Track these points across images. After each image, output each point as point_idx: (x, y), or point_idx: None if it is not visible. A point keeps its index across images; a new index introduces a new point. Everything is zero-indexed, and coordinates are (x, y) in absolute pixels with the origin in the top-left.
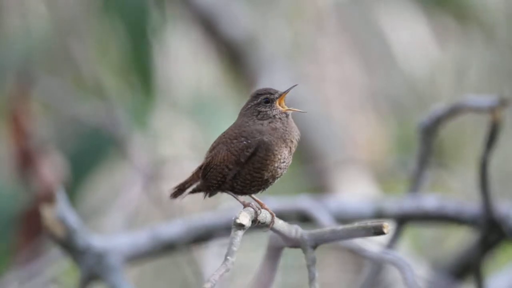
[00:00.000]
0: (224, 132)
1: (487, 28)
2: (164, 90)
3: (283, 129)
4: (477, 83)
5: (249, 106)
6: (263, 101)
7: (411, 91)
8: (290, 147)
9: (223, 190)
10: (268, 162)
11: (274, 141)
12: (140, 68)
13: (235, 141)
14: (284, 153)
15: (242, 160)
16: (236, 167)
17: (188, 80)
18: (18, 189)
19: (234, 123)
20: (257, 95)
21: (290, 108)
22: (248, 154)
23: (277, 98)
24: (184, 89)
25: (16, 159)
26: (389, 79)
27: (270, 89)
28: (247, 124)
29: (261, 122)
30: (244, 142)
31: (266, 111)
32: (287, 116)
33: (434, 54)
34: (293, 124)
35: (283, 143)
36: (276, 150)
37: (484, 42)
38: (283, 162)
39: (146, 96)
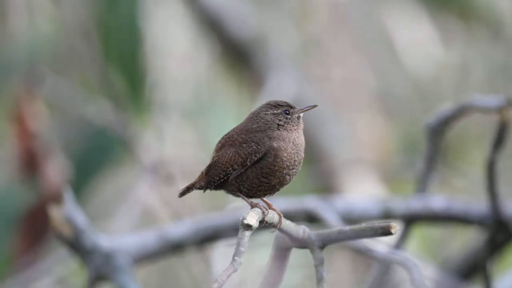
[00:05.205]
0: (230, 133)
1: (491, 27)
2: (163, 91)
3: (295, 139)
4: (482, 82)
5: (267, 113)
6: (283, 112)
7: (416, 91)
8: (300, 157)
9: (231, 192)
10: (276, 168)
11: (283, 147)
12: (132, 68)
13: (244, 145)
14: (294, 161)
15: (248, 163)
16: (241, 169)
17: (190, 80)
18: (23, 190)
19: (242, 126)
20: (277, 105)
21: (304, 108)
22: (255, 158)
23: (296, 112)
24: (186, 89)
25: (21, 159)
26: (394, 79)
27: (289, 103)
28: (260, 130)
29: (277, 131)
30: (254, 147)
31: (285, 122)
32: (301, 128)
33: (439, 53)
34: (303, 140)
35: (293, 150)
36: (285, 157)
37: (488, 41)
38: (292, 169)
39: (136, 96)
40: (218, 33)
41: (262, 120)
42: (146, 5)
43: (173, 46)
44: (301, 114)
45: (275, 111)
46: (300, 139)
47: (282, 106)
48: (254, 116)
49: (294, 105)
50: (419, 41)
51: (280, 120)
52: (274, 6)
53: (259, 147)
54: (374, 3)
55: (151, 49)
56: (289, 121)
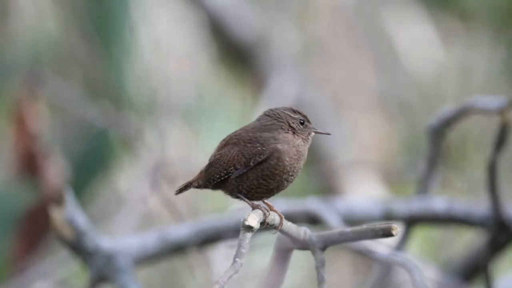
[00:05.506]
0: (236, 133)
1: (492, 29)
2: (165, 92)
3: (299, 146)
4: (483, 84)
5: (284, 112)
6: (299, 120)
7: (417, 92)
8: (299, 166)
9: (230, 193)
10: (277, 171)
11: (287, 151)
12: (131, 68)
13: (249, 145)
14: (294, 167)
15: (252, 164)
16: (243, 169)
17: (192, 81)
18: (23, 191)
19: (250, 126)
20: (295, 111)
21: (318, 130)
22: (259, 160)
23: (309, 128)
24: (188, 90)
25: (21, 160)
26: (395, 80)
27: (308, 117)
28: (268, 129)
29: (284, 133)
30: (259, 148)
31: (297, 127)
32: (310, 141)
33: (440, 55)
34: (306, 153)
35: (295, 156)
36: (287, 161)
37: (489, 43)
38: (291, 175)
39: (136, 97)
40: (220, 34)
41: (276, 117)
42: (146, 5)
43: (175, 47)
44: (312, 133)
45: (292, 115)
46: (304, 149)
47: (300, 114)
48: (268, 114)
49: (311, 121)
50: (420, 42)
51: (293, 123)
52: (275, 7)
53: (264, 148)
54: (375, 4)
55: (153, 50)
56: (300, 129)
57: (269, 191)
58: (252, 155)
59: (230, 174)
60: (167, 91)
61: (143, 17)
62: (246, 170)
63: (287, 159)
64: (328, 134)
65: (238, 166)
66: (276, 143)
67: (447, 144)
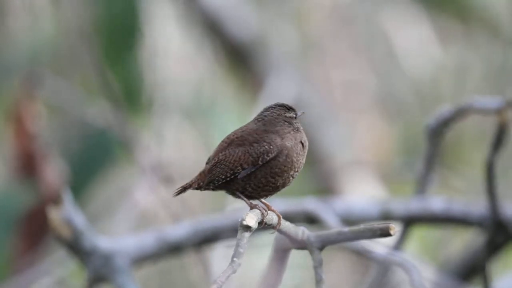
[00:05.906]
0: (238, 133)
1: (489, 29)
2: (164, 92)
3: (304, 142)
4: (480, 83)
5: (281, 114)
6: (294, 115)
7: (415, 93)
8: (304, 161)
9: (232, 192)
10: (285, 168)
11: (294, 147)
12: (130, 69)
13: (255, 144)
14: (300, 163)
15: (260, 162)
16: (251, 168)
17: (191, 81)
18: (21, 191)
19: (252, 126)
20: (290, 108)
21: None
22: (268, 158)
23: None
24: (187, 90)
25: (20, 160)
26: (393, 80)
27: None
28: (272, 130)
29: (286, 131)
30: (266, 147)
31: (297, 125)
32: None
33: (437, 55)
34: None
35: (301, 152)
36: (294, 157)
37: (487, 43)
38: (296, 172)
39: (135, 97)
40: (218, 34)
41: (276, 121)
42: (146, 5)
43: (174, 47)
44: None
45: (288, 114)
46: (306, 144)
47: (293, 110)
48: (266, 117)
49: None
50: (417, 42)
51: (295, 123)
52: (274, 7)
53: (271, 147)
54: (373, 5)
55: (151, 50)
56: (297, 123)
57: (276, 188)
58: (260, 154)
59: (236, 174)
60: (166, 91)
61: (143, 17)
62: (254, 169)
63: (295, 155)
64: (303, 113)
65: (246, 166)
66: (283, 140)
67: (445, 144)
